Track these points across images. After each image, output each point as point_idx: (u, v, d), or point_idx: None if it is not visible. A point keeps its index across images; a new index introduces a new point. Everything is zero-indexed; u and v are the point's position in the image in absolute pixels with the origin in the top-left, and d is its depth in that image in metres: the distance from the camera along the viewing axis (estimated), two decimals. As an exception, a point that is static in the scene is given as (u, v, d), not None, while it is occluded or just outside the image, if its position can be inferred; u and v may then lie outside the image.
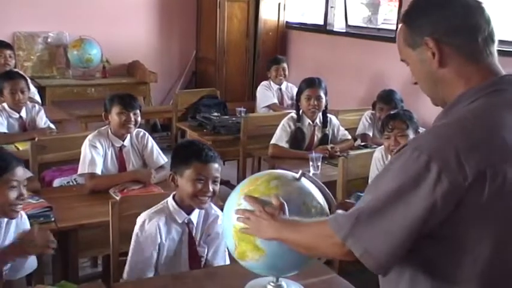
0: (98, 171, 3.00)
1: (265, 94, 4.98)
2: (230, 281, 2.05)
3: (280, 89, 5.11)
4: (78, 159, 3.14)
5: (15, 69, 4.51)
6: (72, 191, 3.00)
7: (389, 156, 3.04)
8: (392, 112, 3.08)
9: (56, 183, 3.23)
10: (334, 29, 6.23)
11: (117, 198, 2.87)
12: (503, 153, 1.21)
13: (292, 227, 1.52)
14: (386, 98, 4.08)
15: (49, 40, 6.09)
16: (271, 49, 6.74)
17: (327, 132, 3.86)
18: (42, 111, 4.02)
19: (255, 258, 1.68)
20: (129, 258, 2.17)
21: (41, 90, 5.36)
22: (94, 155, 2.99)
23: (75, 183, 3.26)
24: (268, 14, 6.66)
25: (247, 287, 1.91)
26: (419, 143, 1.24)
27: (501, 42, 4.18)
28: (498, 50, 1.33)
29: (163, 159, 3.21)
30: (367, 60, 5.65)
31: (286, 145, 3.74)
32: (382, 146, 3.14)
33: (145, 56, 6.48)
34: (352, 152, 3.30)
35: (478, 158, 1.18)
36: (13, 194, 2.02)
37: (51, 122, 4.08)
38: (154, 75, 6.21)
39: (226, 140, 4.16)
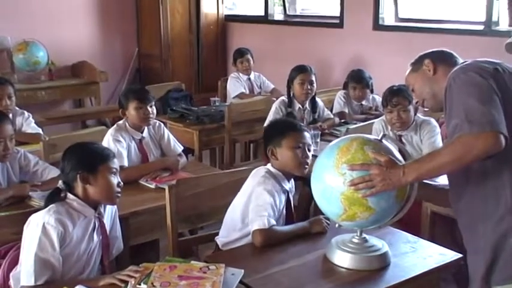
0: (126, 163, 3.09)
1: (235, 84, 5.17)
2: (317, 237, 2.30)
3: (249, 79, 5.32)
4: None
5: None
6: (102, 184, 3.05)
7: (389, 128, 3.34)
8: (395, 88, 3.25)
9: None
10: (275, 19, 6.55)
11: (151, 186, 3.01)
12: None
13: (429, 159, 1.77)
14: (358, 77, 4.43)
15: (-10, 45, 5.88)
16: (213, 42, 6.95)
17: (316, 117, 4.13)
18: (31, 118, 3.91)
19: (365, 217, 1.93)
20: (253, 208, 2.22)
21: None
22: (119, 149, 3.07)
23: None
24: (208, 8, 6.83)
25: (333, 241, 2.15)
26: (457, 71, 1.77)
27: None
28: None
29: (180, 147, 3.35)
30: (309, 46, 5.99)
31: (278, 127, 3.97)
32: (381, 118, 3.44)
33: (89, 56, 6.42)
34: (351, 126, 3.59)
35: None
36: (115, 181, 2.14)
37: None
38: (104, 74, 6.16)
39: (211, 128, 4.30)
